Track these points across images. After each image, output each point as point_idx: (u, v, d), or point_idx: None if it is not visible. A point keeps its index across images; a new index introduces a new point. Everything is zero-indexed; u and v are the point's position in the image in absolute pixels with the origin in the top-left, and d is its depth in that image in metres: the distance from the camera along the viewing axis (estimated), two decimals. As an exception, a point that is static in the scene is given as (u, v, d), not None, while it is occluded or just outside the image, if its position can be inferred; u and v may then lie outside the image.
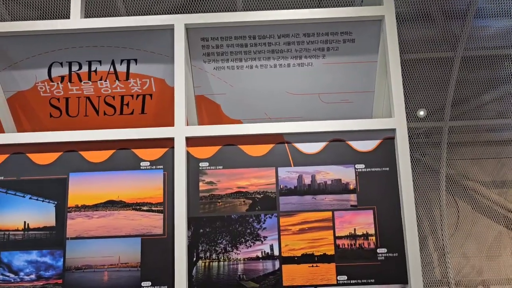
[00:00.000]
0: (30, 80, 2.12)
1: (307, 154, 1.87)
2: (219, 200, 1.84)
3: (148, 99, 2.16)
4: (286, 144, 1.88)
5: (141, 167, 1.87)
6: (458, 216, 3.58)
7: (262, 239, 1.80)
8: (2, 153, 1.89)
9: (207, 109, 2.20)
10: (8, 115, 2.17)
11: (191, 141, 1.88)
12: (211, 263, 1.79)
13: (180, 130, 1.86)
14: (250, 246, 1.80)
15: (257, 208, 1.83)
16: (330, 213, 1.81)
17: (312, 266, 1.77)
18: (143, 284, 1.78)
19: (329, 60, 2.08)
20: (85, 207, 1.84)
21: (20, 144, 1.89)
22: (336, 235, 1.79)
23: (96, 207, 1.84)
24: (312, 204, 1.82)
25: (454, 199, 3.59)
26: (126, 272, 1.78)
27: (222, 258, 1.79)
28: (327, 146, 1.87)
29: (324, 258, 1.77)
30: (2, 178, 1.87)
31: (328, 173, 1.85)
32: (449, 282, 3.05)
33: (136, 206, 1.84)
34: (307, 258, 1.78)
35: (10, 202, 1.85)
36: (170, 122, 1.93)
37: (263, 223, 1.81)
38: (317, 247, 1.78)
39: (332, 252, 1.77)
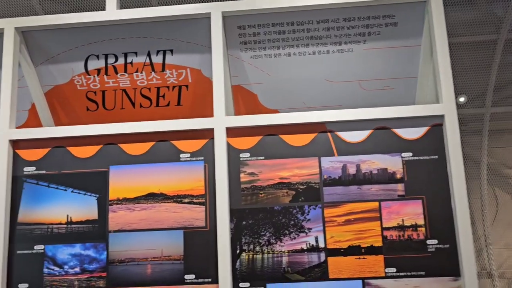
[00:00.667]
0: (67, 74, 2.12)
1: (351, 143, 1.81)
2: (261, 192, 1.79)
3: (184, 90, 2.13)
4: (328, 133, 1.82)
5: (181, 159, 1.84)
6: (497, 206, 3.45)
7: (306, 230, 1.75)
8: (43, 147, 1.89)
9: (244, 99, 2.16)
10: (46, 109, 2.18)
11: (231, 132, 1.84)
12: (254, 255, 1.75)
13: (220, 121, 1.82)
14: (295, 238, 1.75)
15: (300, 199, 1.78)
16: (376, 204, 1.75)
17: (359, 258, 1.71)
18: (187, 277, 1.75)
19: (370, 46, 2.00)
20: (126, 200, 1.82)
21: (60, 138, 1.89)
22: (384, 226, 1.73)
23: (137, 200, 1.82)
24: (357, 195, 1.76)
25: (493, 189, 3.47)
26: (169, 265, 1.77)
27: (266, 251, 1.75)
28: (371, 135, 1.81)
29: (372, 250, 1.71)
30: (44, 172, 1.87)
31: (373, 162, 1.78)
32: (491, 274, 2.95)
33: (177, 198, 1.81)
34: (353, 250, 1.72)
35: (52, 195, 1.85)
36: (206, 113, 1.90)
37: (307, 214, 1.76)
38: (363, 238, 1.72)
39: (380, 244, 1.71)
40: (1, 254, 1.78)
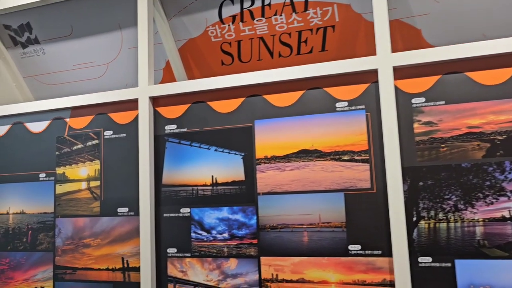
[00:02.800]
0: (200, 25, 1.94)
1: None
2: (443, 145, 1.42)
3: (329, 32, 1.81)
4: (537, 66, 1.36)
5: (337, 109, 1.54)
6: None
7: (508, 194, 1.34)
8: (182, 103, 1.74)
9: (403, 37, 1.77)
10: (181, 67, 2.04)
11: (399, 73, 1.48)
12: (437, 224, 1.40)
13: (385, 59, 1.47)
14: (492, 203, 1.36)
15: (498, 154, 1.36)
16: None
17: None
18: (351, 247, 1.47)
19: None
20: (275, 158, 1.59)
21: (200, 92, 1.71)
22: None
23: (287, 158, 1.58)
24: None
25: None
26: (329, 233, 1.50)
27: (453, 218, 1.39)
28: None
29: None
30: (185, 130, 1.73)
31: None
32: None
33: (335, 155, 1.52)
34: None
35: (195, 155, 1.69)
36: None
37: (509, 173, 1.34)
38: None
39: None
40: (149, 217, 1.69)
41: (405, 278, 1.38)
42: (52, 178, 1.92)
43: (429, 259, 1.39)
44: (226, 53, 1.97)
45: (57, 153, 1.92)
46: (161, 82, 2.11)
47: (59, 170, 1.91)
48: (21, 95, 2.36)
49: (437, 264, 1.39)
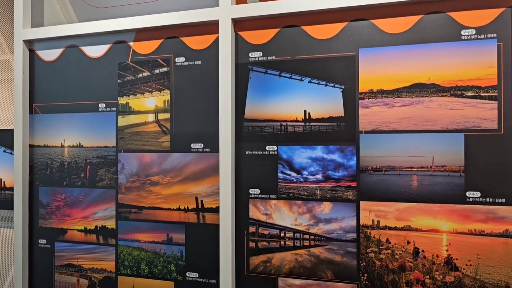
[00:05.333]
0: None
1: None
2: None
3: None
4: None
5: (463, 37, 1.33)
6: None
7: None
8: (271, 27, 1.53)
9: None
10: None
11: (544, -5, 1.26)
12: None
13: (531, -22, 1.24)
14: None
15: None
16: None
17: None
18: (469, 194, 1.32)
19: None
20: (382, 93, 1.40)
21: (291, 14, 1.49)
22: None
23: (397, 92, 1.39)
24: None
25: None
26: (443, 177, 1.34)
27: None
28: None
29: None
30: (273, 58, 1.52)
31: None
32: None
33: (456, 90, 1.33)
34: None
35: (285, 87, 1.50)
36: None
37: None
38: None
39: None
40: (230, 154, 1.52)
41: (535, 229, 1.23)
42: (114, 108, 1.73)
43: None
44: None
45: (119, 81, 1.72)
46: (237, 3, 1.87)
47: (122, 100, 1.72)
48: (66, 18, 2.12)
49: None
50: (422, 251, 1.36)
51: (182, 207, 1.63)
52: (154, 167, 1.67)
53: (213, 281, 1.59)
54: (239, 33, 1.56)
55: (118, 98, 1.72)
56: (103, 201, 1.74)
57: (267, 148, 1.52)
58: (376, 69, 1.41)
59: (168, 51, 1.65)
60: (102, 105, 1.74)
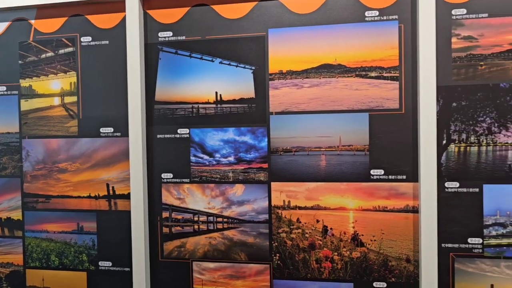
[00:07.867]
0: None
1: None
2: (482, 63, 1.30)
3: None
4: None
5: (366, 18, 1.36)
6: None
7: (546, 116, 1.26)
8: (180, 6, 1.47)
9: None
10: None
11: (441, -22, 1.30)
12: (468, 148, 1.31)
13: (427, -39, 1.28)
14: (528, 126, 1.28)
15: (539, 74, 1.27)
16: None
17: None
18: (373, 172, 1.36)
19: None
20: (291, 73, 1.40)
21: (202, -7, 1.45)
22: None
23: (306, 73, 1.39)
24: None
25: None
26: (349, 156, 1.37)
27: (485, 142, 1.30)
28: None
29: None
30: (183, 38, 1.47)
31: None
32: None
33: (361, 71, 1.36)
34: None
35: (196, 68, 1.46)
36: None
37: (548, 94, 1.26)
38: None
39: None
40: (140, 138, 1.46)
41: (431, 203, 1.29)
42: (15, 92, 1.61)
43: (456, 184, 1.32)
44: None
45: (20, 62, 1.60)
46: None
47: (24, 83, 1.60)
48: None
49: (464, 189, 1.31)
50: (331, 229, 1.39)
51: (92, 195, 1.56)
52: (62, 153, 1.58)
53: (127, 269, 1.54)
54: (148, 11, 1.49)
55: (20, 80, 1.60)
56: (7, 191, 1.63)
57: (179, 131, 1.48)
58: (285, 49, 1.40)
59: (73, 30, 1.55)
60: (2, 88, 1.62)
